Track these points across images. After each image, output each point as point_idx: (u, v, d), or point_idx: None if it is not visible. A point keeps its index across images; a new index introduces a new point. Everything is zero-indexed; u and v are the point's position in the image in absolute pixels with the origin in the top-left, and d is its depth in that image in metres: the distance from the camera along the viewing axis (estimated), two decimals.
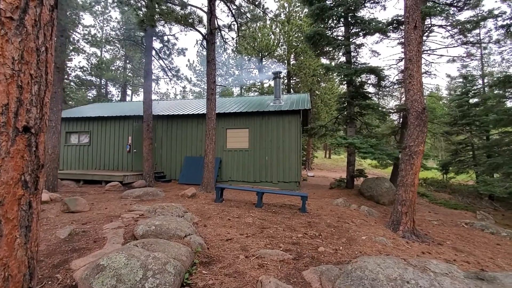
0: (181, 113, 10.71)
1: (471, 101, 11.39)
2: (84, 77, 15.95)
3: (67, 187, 7.15)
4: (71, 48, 10.29)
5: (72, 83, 15.54)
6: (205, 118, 8.19)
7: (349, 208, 5.77)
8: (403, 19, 8.93)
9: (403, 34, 8.28)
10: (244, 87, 24.35)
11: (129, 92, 26.16)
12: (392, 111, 11.60)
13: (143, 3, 7.03)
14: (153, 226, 2.82)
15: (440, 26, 9.53)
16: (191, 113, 10.67)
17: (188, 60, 24.79)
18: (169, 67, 10.42)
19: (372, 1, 10.04)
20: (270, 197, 6.66)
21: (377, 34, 9.86)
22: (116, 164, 10.89)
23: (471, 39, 9.74)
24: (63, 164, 10.59)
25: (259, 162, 9.84)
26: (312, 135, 11.90)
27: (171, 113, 10.85)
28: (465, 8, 9.06)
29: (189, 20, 6.95)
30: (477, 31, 11.11)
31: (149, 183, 8.65)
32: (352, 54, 10.45)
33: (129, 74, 21.06)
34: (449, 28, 9.45)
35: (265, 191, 5.59)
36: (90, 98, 22.47)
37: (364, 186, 7.81)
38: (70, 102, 18.18)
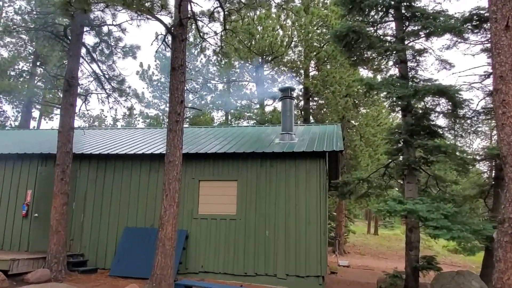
0: (123, 152, 10.93)
1: None
2: None
3: None
4: None
5: None
6: (163, 162, 8.17)
7: None
8: (487, 14, 9.69)
9: (489, 36, 8.98)
10: (232, 111, 24.98)
11: (35, 113, 26.03)
12: (478, 157, 11.78)
13: None
14: None
15: None
16: (140, 152, 10.91)
17: (141, 66, 26.03)
18: (107, 76, 10.72)
19: None
20: None
21: (447, 35, 10.47)
22: (1, 238, 10.71)
23: None
24: None
25: (255, 241, 9.82)
26: (346, 194, 12.29)
27: (106, 152, 11.06)
28: None
29: (146, 3, 7.25)
30: None
31: (57, 275, 8.40)
32: (410, 64, 11.06)
33: (39, 84, 20.91)
34: None
35: None
36: None
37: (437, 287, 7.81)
38: None
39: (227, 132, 13.88)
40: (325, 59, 21.06)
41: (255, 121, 23.05)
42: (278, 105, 23.95)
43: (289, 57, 22.70)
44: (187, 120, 25.47)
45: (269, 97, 24.06)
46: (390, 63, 12.33)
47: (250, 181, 10.22)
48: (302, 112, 23.64)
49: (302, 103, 23.79)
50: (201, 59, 25.35)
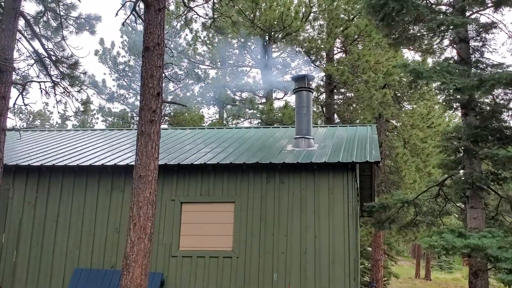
0: (73, 163, 11.11)
1: None
2: None
3: None
4: None
5: None
6: (130, 177, 8.07)
7: None
8: None
9: None
10: (228, 106, 25.44)
11: None
12: None
13: None
14: None
15: None
16: (98, 163, 11.09)
17: (102, 43, 26.18)
18: (54, 57, 10.71)
19: None
20: None
21: None
22: None
23: None
24: None
25: (259, 287, 9.85)
26: (384, 223, 12.45)
27: (50, 162, 11.24)
28: None
29: None
30: None
31: None
32: (473, 44, 11.08)
33: None
34: None
35: None
36: None
37: None
38: None
39: (222, 136, 13.96)
40: (356, 36, 21.03)
41: (259, 121, 23.02)
42: (291, 99, 23.98)
43: (306, 34, 22.74)
44: (166, 119, 25.50)
45: (279, 89, 24.08)
46: (446, 42, 12.30)
47: (252, 203, 10.26)
48: (324, 109, 23.60)
49: (323, 96, 23.76)
50: (186, 35, 25.49)
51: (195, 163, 10.52)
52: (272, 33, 22.30)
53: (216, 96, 24.25)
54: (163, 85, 8.05)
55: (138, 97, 8.90)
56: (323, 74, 23.09)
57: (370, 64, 20.12)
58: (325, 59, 22.92)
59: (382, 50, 20.45)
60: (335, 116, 23.69)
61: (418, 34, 11.77)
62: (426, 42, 12.54)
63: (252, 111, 24.02)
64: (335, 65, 21.79)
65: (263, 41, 22.66)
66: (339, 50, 23.67)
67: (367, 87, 20.18)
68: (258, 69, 24.78)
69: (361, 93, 20.84)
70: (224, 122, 25.45)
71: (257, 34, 22.14)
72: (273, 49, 23.40)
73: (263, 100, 24.27)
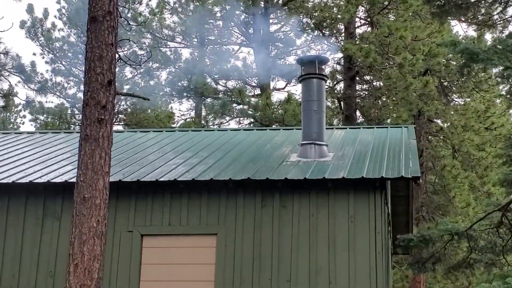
0: None
1: None
2: None
3: None
4: None
5: None
6: (69, 199, 8.05)
7: None
8: None
9: None
10: (208, 100, 25.94)
11: None
12: None
13: None
14: None
15: None
16: (25, 180, 10.98)
17: (30, 12, 26.29)
18: None
19: None
20: None
21: None
22: None
23: None
24: None
25: None
26: (426, 263, 12.38)
27: None
28: None
29: None
30: None
31: None
32: None
33: None
34: None
35: None
36: None
37: None
38: None
39: (199, 141, 13.97)
40: (385, 3, 21.05)
41: (252, 120, 23.00)
42: (297, 90, 23.89)
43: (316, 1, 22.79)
44: (121, 117, 25.42)
45: (279, 75, 24.06)
46: (510, 11, 12.33)
47: (242, 236, 10.24)
48: (342, 104, 23.62)
49: (341, 86, 23.80)
50: (149, 0, 25.52)
51: (161, 179, 10.51)
52: None
53: (192, 85, 24.26)
54: (117, 70, 8.02)
55: (82, 88, 8.89)
56: (340, 55, 23.14)
57: (406, 42, 20.13)
58: (343, 35, 22.93)
59: (423, 22, 20.48)
60: (357, 113, 23.70)
61: (473, 0, 11.82)
62: (483, 11, 12.59)
63: (241, 106, 24.04)
64: (357, 42, 21.83)
65: (256, 9, 22.67)
66: (362, 21, 23.75)
67: (401, 74, 20.22)
68: (249, 48, 24.86)
69: (393, 82, 20.89)
70: (203, 122, 25.42)
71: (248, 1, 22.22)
72: (271, 20, 23.40)
73: (257, 92, 24.32)
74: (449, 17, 13.98)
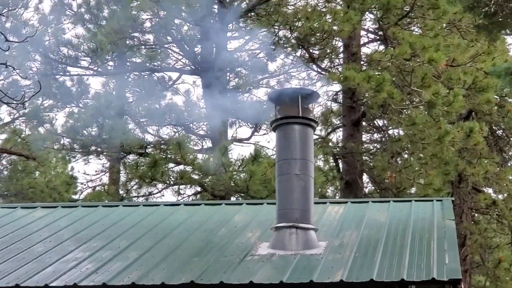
0: None
1: None
2: None
3: None
4: None
5: None
6: None
7: None
8: None
9: None
10: (131, 159, 26.07)
11: None
12: None
13: None
14: None
15: None
16: None
17: None
18: None
19: None
20: None
21: None
22: None
23: None
24: None
25: None
26: None
27: None
28: None
29: None
30: None
31: None
32: None
33: None
34: None
35: None
36: None
37: None
38: None
39: (116, 222, 14.10)
40: (407, 9, 21.40)
41: (199, 189, 23.05)
42: (269, 142, 23.89)
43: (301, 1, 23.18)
44: None
45: (242, 119, 24.16)
46: None
47: None
48: (340, 164, 23.67)
49: (339, 136, 23.94)
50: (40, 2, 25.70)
51: (53, 284, 10.40)
52: None
53: (104, 134, 24.28)
54: None
55: None
56: (337, 87, 23.35)
57: (438, 68, 20.32)
58: (341, 56, 23.18)
59: (464, 39, 20.75)
60: (364, 179, 23.79)
61: None
62: None
63: (182, 167, 24.02)
64: (364, 68, 22.02)
65: (207, 16, 22.86)
66: (371, 36, 24.04)
67: (432, 117, 20.36)
68: (195, 77, 25.02)
69: (419, 130, 20.99)
70: (121, 191, 25.44)
71: None
72: (229, 34, 23.64)
73: (207, 144, 24.36)
74: (503, 31, 14.13)
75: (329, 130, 23.96)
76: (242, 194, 20.47)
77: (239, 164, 22.51)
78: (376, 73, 21.22)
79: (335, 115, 24.01)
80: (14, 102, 21.86)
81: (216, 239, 12.55)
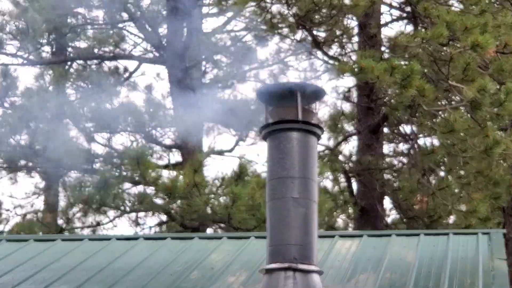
0: None
1: None
2: None
3: None
4: None
5: None
6: None
7: None
8: None
9: None
10: (73, 179, 27.53)
11: None
12: None
13: None
14: None
15: None
16: None
17: None
18: None
19: None
20: None
21: None
22: None
23: None
24: None
25: None
26: None
27: None
28: None
29: None
30: None
31: None
32: None
33: None
34: None
35: None
36: None
37: None
38: None
39: (52, 262, 14.15)
40: None
41: (165, 218, 23.08)
42: (258, 155, 23.90)
43: None
44: None
45: (221, 124, 24.17)
46: None
47: None
48: (354, 184, 23.71)
49: (353, 147, 23.97)
50: None
51: None
52: None
53: (37, 145, 24.28)
54: None
55: None
56: (349, 81, 23.38)
57: (484, 54, 20.34)
58: (355, 40, 23.23)
59: None
60: (385, 203, 23.81)
61: None
62: None
63: (141, 189, 24.02)
64: (385, 56, 22.06)
65: None
66: (395, 13, 24.10)
67: (477, 122, 20.36)
68: (161, 66, 25.06)
69: (460, 139, 20.99)
70: (60, 220, 25.38)
71: None
72: (205, 10, 23.72)
73: (175, 158, 24.39)
74: None
75: (340, 139, 23.90)
76: (222, 225, 20.43)
77: (218, 184, 22.52)
78: (402, 62, 21.20)
79: (347, 119, 23.97)
80: None
81: (187, 285, 12.49)
